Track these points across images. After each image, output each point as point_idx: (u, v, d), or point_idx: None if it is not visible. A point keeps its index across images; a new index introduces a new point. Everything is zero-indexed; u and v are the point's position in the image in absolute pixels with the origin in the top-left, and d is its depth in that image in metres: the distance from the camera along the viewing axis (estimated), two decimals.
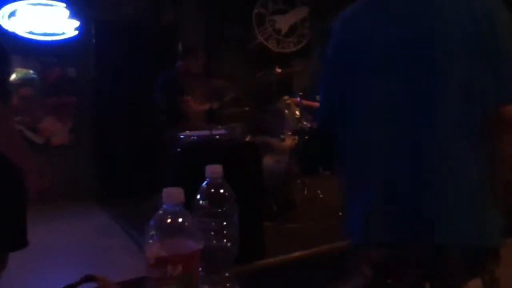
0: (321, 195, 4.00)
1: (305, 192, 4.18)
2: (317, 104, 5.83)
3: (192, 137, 3.06)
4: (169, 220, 0.72)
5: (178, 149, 2.89)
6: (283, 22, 6.69)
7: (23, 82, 5.15)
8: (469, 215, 1.17)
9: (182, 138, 3.08)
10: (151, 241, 0.71)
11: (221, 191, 0.89)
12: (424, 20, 1.20)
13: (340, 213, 3.73)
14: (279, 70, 4.29)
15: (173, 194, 0.73)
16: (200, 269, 0.80)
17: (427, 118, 1.18)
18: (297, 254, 3.06)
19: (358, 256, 1.35)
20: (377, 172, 1.25)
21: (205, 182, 0.90)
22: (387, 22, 1.24)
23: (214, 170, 0.90)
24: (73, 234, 4.00)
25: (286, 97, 4.46)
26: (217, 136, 3.04)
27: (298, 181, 4.22)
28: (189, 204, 0.90)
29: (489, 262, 1.21)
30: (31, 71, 5.18)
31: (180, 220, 0.73)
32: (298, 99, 4.40)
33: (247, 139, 3.96)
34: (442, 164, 1.17)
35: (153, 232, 0.71)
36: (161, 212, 0.73)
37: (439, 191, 1.17)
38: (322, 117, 1.48)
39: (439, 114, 1.17)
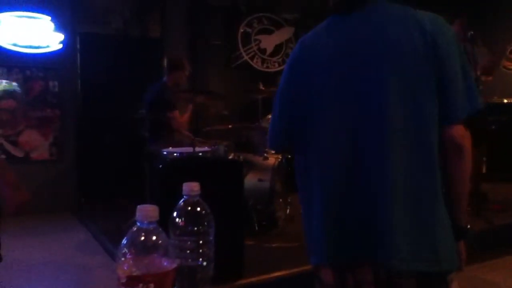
0: None
1: (288, 210, 4.17)
2: None
3: (174, 154, 3.04)
4: (142, 238, 0.71)
5: (160, 166, 2.87)
6: (269, 42, 6.77)
7: (6, 94, 5.08)
8: (417, 238, 1.15)
9: (164, 154, 3.06)
10: (123, 259, 0.70)
11: (198, 209, 0.88)
12: (374, 42, 1.20)
13: None
14: (263, 88, 4.31)
15: (147, 212, 0.72)
16: (174, 287, 0.79)
17: (376, 141, 1.17)
18: (278, 273, 3.04)
19: (315, 278, 1.33)
20: (325, 193, 1.25)
21: (182, 199, 0.90)
22: (339, 45, 1.25)
23: (191, 187, 0.89)
24: (52, 250, 3.92)
25: (270, 116, 4.47)
26: (200, 153, 3.03)
27: (281, 199, 4.21)
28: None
29: (440, 285, 1.18)
30: (15, 84, 5.12)
31: (154, 238, 0.72)
32: None
33: (230, 156, 3.96)
34: (390, 185, 1.15)
35: (125, 250, 0.70)
36: (134, 229, 0.72)
37: (387, 212, 1.15)
38: (275, 139, 1.43)
39: (387, 137, 1.16)
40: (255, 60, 6.64)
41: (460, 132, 1.19)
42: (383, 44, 1.18)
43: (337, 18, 1.30)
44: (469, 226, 1.25)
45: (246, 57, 6.57)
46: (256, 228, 3.81)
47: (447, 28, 1.21)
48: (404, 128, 1.15)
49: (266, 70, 6.71)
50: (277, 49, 6.83)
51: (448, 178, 1.20)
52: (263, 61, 6.71)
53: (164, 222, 0.89)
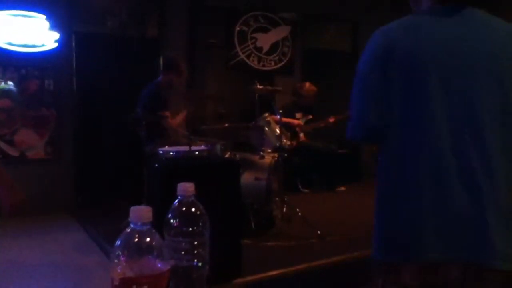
0: (299, 213, 4.00)
1: (284, 209, 4.17)
2: (296, 122, 5.91)
3: (171, 153, 3.03)
4: (136, 240, 0.70)
5: (156, 165, 2.86)
6: (265, 40, 6.76)
7: (1, 94, 5.06)
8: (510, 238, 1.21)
9: (160, 153, 3.05)
10: (116, 261, 0.69)
11: (193, 209, 0.88)
12: (483, 43, 1.26)
13: (319, 232, 3.74)
14: (259, 87, 4.31)
15: (140, 213, 0.71)
16: None
17: (480, 145, 1.22)
18: (275, 272, 3.04)
19: (385, 276, 1.30)
20: (433, 186, 1.23)
21: (177, 200, 0.89)
22: (449, 39, 1.28)
23: (185, 188, 0.88)
24: (48, 250, 3.90)
25: (266, 114, 4.48)
26: (196, 152, 3.02)
27: (277, 198, 4.21)
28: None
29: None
30: (10, 83, 5.10)
31: (147, 239, 0.71)
32: (279, 116, 4.42)
33: (227, 155, 3.95)
34: (499, 186, 1.21)
35: (118, 252, 0.69)
36: (128, 231, 0.71)
37: (493, 213, 1.19)
38: (367, 129, 1.38)
39: (489, 141, 1.22)
40: (251, 59, 6.63)
41: None
42: (489, 49, 1.25)
43: (433, 14, 1.33)
44: None
45: (242, 56, 6.56)
46: (253, 227, 3.81)
47: None
48: (500, 134, 1.23)
49: (263, 68, 6.71)
50: (274, 47, 6.82)
51: None
52: (260, 59, 6.71)
53: (161, 222, 0.88)
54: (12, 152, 5.09)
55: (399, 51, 1.29)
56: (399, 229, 1.28)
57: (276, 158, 4.16)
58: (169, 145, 3.32)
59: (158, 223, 0.80)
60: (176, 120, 4.27)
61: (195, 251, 0.87)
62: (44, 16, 5.06)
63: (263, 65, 6.73)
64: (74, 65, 5.50)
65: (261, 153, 4.19)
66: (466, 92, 1.24)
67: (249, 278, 2.91)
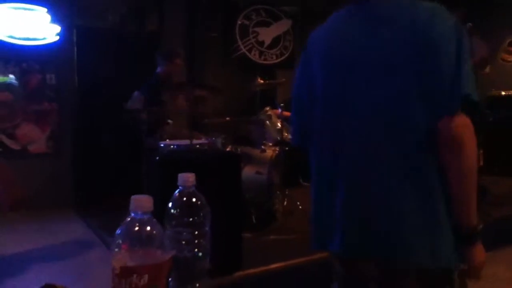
0: (300, 207, 4.00)
1: (285, 203, 4.17)
2: None
3: (172, 146, 3.03)
4: (136, 229, 0.70)
5: (157, 158, 2.86)
6: (267, 34, 6.73)
7: (2, 87, 5.06)
8: (417, 235, 1.15)
9: (162, 146, 3.05)
10: (117, 249, 0.69)
11: (193, 200, 0.88)
12: (366, 44, 1.22)
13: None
14: (261, 81, 4.30)
15: (141, 202, 0.71)
16: (170, 279, 0.78)
17: (361, 142, 1.21)
18: (276, 265, 3.04)
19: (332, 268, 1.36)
20: (335, 187, 1.26)
21: (177, 190, 0.89)
22: (347, 41, 1.26)
23: (186, 178, 0.88)
24: (49, 244, 3.91)
25: (267, 108, 4.47)
26: (198, 146, 3.01)
27: (278, 192, 4.21)
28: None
29: (443, 285, 1.18)
30: (12, 76, 5.09)
31: (148, 229, 0.71)
32: (280, 110, 4.41)
33: (228, 149, 3.95)
34: (388, 185, 1.18)
35: (119, 241, 0.69)
36: (128, 220, 0.71)
37: (389, 210, 1.18)
38: (296, 134, 1.47)
39: (373, 138, 1.20)
40: (253, 53, 6.61)
41: (452, 124, 1.10)
42: (375, 45, 1.20)
43: (341, 14, 1.33)
44: (481, 226, 1.19)
45: (244, 50, 6.54)
46: (254, 221, 3.81)
47: (442, 18, 1.16)
48: (390, 129, 1.17)
49: (264, 62, 6.69)
50: (275, 41, 6.80)
51: (447, 177, 1.14)
52: (261, 53, 6.69)
53: (161, 214, 0.88)
54: (14, 146, 5.09)
55: (307, 57, 1.36)
56: (314, 226, 1.35)
57: (277, 152, 4.16)
58: (170, 138, 3.32)
59: (159, 216, 0.80)
60: (177, 104, 4.27)
61: (196, 241, 0.87)
62: (45, 9, 5.05)
63: (265, 59, 6.71)
64: (76, 58, 5.49)
65: (262, 147, 4.19)
66: (348, 92, 1.23)
67: (249, 270, 2.92)
